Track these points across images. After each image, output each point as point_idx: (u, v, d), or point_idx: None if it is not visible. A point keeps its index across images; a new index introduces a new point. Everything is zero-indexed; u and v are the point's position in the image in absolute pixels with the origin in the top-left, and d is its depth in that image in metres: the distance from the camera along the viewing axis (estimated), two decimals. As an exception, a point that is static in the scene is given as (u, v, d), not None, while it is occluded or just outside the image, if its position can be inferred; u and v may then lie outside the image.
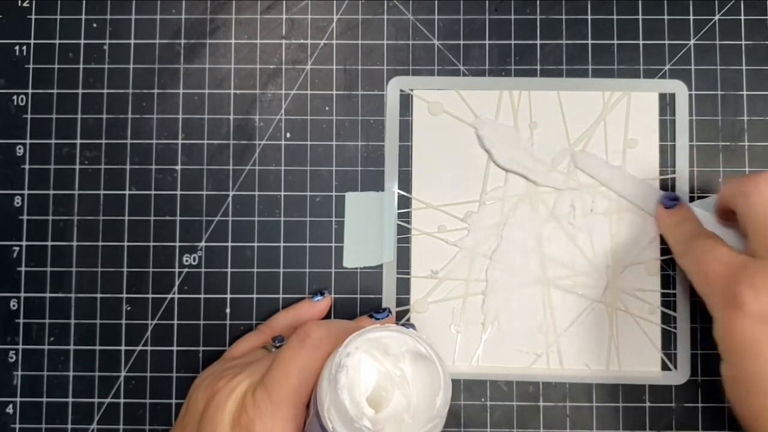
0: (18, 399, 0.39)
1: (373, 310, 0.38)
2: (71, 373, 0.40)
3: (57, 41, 0.41)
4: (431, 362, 0.29)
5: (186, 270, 0.40)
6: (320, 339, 0.31)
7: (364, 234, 0.40)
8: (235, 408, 0.31)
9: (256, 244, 0.40)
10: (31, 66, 0.41)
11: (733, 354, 0.31)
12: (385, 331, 0.29)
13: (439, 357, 0.29)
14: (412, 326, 0.38)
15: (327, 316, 0.39)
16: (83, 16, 0.41)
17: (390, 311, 0.38)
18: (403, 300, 0.40)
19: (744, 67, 0.40)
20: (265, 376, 0.31)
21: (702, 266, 0.33)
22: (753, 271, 0.31)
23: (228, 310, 0.40)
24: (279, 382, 0.30)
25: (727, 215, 0.36)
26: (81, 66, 0.41)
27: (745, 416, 0.32)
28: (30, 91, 0.41)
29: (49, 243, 0.40)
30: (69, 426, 0.39)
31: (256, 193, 0.40)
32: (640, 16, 0.40)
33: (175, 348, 0.40)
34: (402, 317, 0.39)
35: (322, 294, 0.39)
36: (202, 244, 0.40)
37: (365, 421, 0.28)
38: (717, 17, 0.40)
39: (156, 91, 0.41)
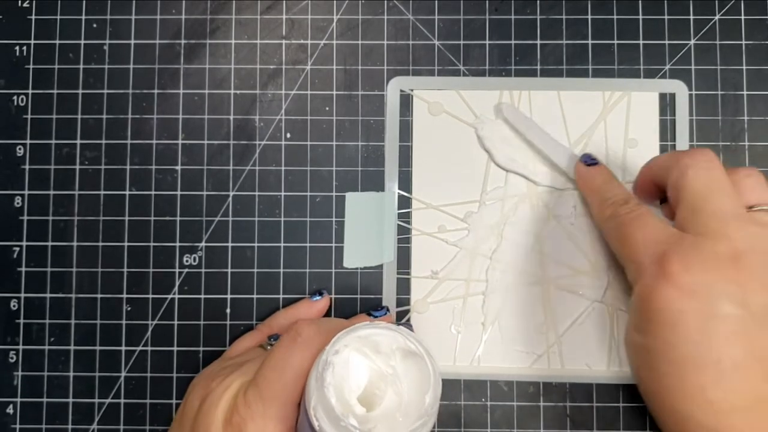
0: (18, 399, 0.39)
1: (371, 308, 0.38)
2: (71, 374, 0.40)
3: (57, 41, 0.41)
4: (421, 359, 0.29)
5: (186, 270, 0.40)
6: (311, 337, 0.31)
7: (364, 234, 0.40)
8: (228, 407, 0.31)
9: (256, 245, 0.40)
10: (31, 66, 0.41)
11: (652, 323, 0.31)
12: (375, 329, 0.29)
13: (429, 354, 0.29)
14: (410, 327, 0.38)
15: (326, 316, 0.39)
16: (83, 17, 0.41)
17: (388, 309, 0.38)
18: (403, 300, 0.40)
19: (744, 67, 0.40)
20: (257, 375, 0.31)
21: (630, 231, 0.33)
22: (687, 245, 0.31)
23: (228, 311, 0.40)
24: (270, 381, 0.30)
25: (648, 191, 0.36)
26: (81, 66, 0.41)
27: (649, 386, 0.32)
28: (30, 91, 0.41)
29: (50, 243, 0.40)
30: (69, 426, 0.39)
31: (257, 193, 0.40)
32: (640, 16, 0.40)
33: (175, 348, 0.40)
34: (402, 317, 0.39)
35: (321, 294, 0.39)
36: (203, 244, 0.40)
37: (351, 419, 0.28)
38: (717, 17, 0.40)
39: (156, 91, 0.41)
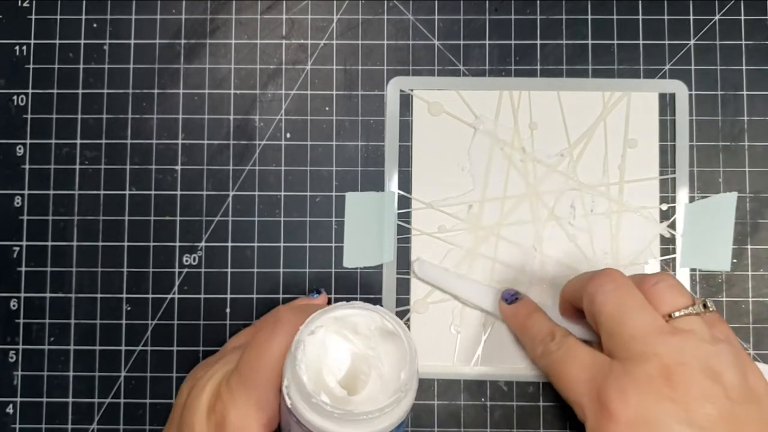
0: (18, 399, 0.39)
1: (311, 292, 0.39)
2: (71, 373, 0.40)
3: (57, 41, 0.41)
4: (399, 338, 0.28)
5: (186, 270, 0.40)
6: (291, 322, 0.30)
7: (364, 234, 0.40)
8: (211, 395, 0.31)
9: (256, 244, 0.40)
10: (31, 66, 0.41)
11: None
12: (351, 309, 0.29)
13: (405, 331, 0.29)
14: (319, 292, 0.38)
15: (303, 292, 0.39)
16: (83, 16, 0.41)
17: (319, 291, 0.39)
18: (403, 300, 0.40)
19: (744, 67, 0.40)
20: (239, 362, 0.31)
21: (563, 370, 0.33)
22: (617, 374, 0.30)
23: (228, 311, 0.40)
24: (252, 367, 0.30)
25: (571, 311, 0.36)
26: (81, 66, 0.41)
27: None
28: (30, 91, 0.41)
29: (49, 243, 0.40)
30: (69, 426, 0.39)
31: (256, 193, 0.40)
32: (640, 16, 0.40)
33: (175, 348, 0.39)
34: (402, 317, 0.39)
35: (318, 292, 0.39)
36: (202, 244, 0.40)
37: (323, 396, 0.27)
38: (717, 17, 0.40)
39: (156, 91, 0.41)
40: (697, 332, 0.30)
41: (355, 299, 0.38)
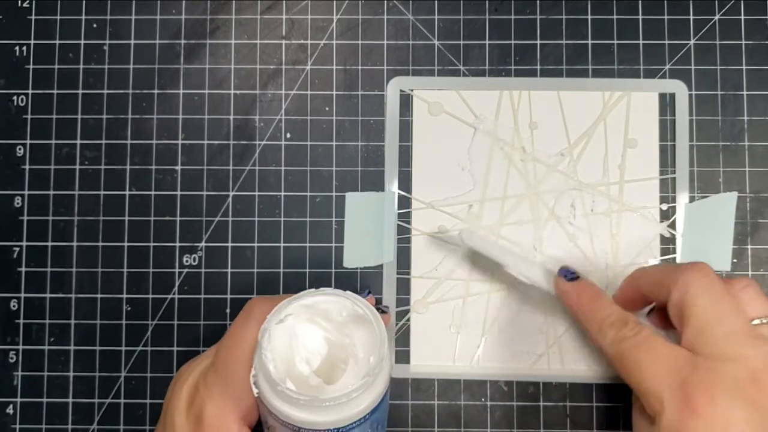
0: (18, 399, 0.39)
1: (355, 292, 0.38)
2: (71, 374, 0.40)
3: (57, 41, 0.41)
4: (369, 322, 0.28)
5: (186, 270, 0.40)
6: (263, 313, 0.30)
7: (364, 234, 0.40)
8: (191, 389, 0.31)
9: (256, 245, 0.40)
10: (31, 66, 0.41)
11: None
12: (321, 296, 0.29)
13: (375, 315, 0.29)
14: (367, 292, 0.38)
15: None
16: (83, 17, 0.41)
17: (370, 291, 0.38)
18: (403, 300, 0.40)
19: (744, 67, 0.40)
20: (215, 355, 0.31)
21: (641, 359, 0.31)
22: (704, 371, 0.30)
23: (228, 311, 0.40)
24: (226, 359, 0.30)
25: (631, 301, 0.35)
26: (81, 66, 0.41)
27: None
28: (30, 91, 0.41)
29: (50, 243, 0.40)
30: (69, 426, 0.39)
31: (256, 193, 0.40)
32: (640, 16, 0.40)
33: (175, 348, 0.39)
34: (402, 317, 0.39)
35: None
36: (202, 244, 0.40)
37: (288, 383, 0.27)
38: (717, 17, 0.40)
39: (156, 91, 0.41)
40: None
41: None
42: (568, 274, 0.36)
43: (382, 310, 0.37)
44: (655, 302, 0.34)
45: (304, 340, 0.29)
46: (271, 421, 0.29)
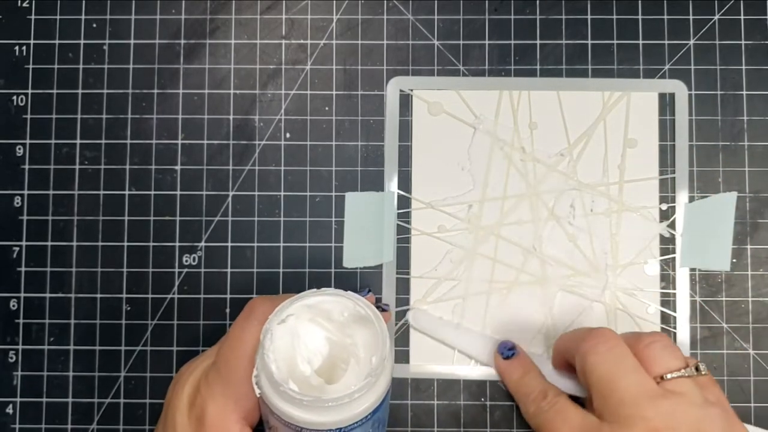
0: (18, 399, 0.39)
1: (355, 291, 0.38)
2: (71, 374, 0.40)
3: (57, 41, 0.41)
4: (371, 322, 0.28)
5: (186, 270, 0.40)
6: (265, 313, 0.30)
7: (364, 234, 0.40)
8: (192, 390, 0.31)
9: (255, 244, 0.40)
10: (30, 66, 0.41)
11: None
12: (322, 296, 0.29)
13: (377, 315, 0.29)
14: (367, 291, 0.38)
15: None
16: (83, 17, 0.41)
17: (370, 289, 0.38)
18: (403, 300, 0.40)
19: (744, 67, 0.40)
20: (216, 355, 0.31)
21: (553, 429, 0.33)
22: None
23: (228, 310, 0.40)
24: (228, 359, 0.30)
25: (564, 364, 0.36)
26: (81, 66, 0.41)
27: None
28: (30, 91, 0.41)
29: (49, 243, 0.40)
30: (69, 426, 0.39)
31: (256, 193, 0.40)
32: (640, 16, 0.40)
33: (174, 348, 0.39)
34: (402, 317, 0.39)
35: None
36: (202, 244, 0.40)
37: (291, 384, 0.27)
38: (717, 17, 0.40)
39: (156, 91, 0.41)
40: (689, 395, 0.31)
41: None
42: (505, 352, 0.38)
43: (382, 308, 0.37)
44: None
45: (305, 340, 0.29)
46: (273, 421, 0.29)
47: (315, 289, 0.29)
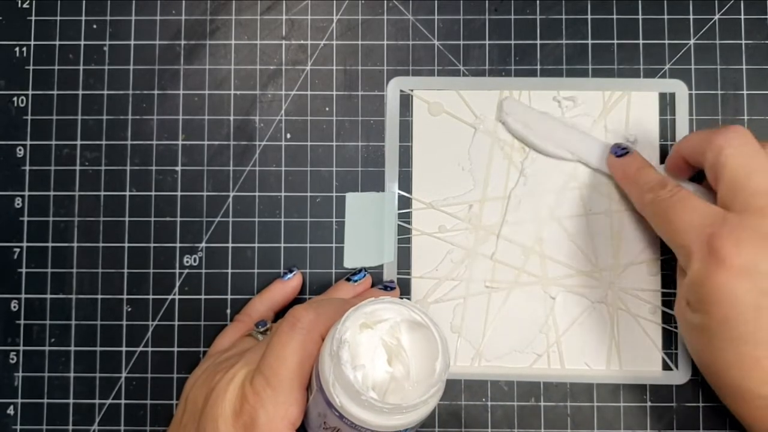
0: (19, 400, 0.39)
1: (350, 274, 0.39)
2: (72, 374, 0.40)
3: (57, 42, 0.41)
4: (427, 329, 0.29)
5: (186, 271, 0.40)
6: (310, 321, 0.31)
7: (364, 234, 0.40)
8: (235, 398, 0.31)
9: (256, 245, 0.40)
10: (31, 67, 0.41)
11: (707, 304, 0.31)
12: (380, 304, 0.29)
13: (434, 323, 0.29)
14: (363, 274, 0.39)
15: (301, 293, 0.39)
16: (83, 18, 0.41)
17: (366, 271, 0.39)
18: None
19: (744, 67, 0.40)
20: (261, 363, 0.31)
21: (674, 215, 0.33)
22: (733, 224, 0.31)
23: (228, 311, 0.40)
24: (275, 367, 0.31)
25: (680, 168, 0.36)
26: (81, 67, 0.41)
27: (706, 361, 0.33)
28: (30, 92, 0.41)
29: (50, 244, 0.40)
30: (70, 427, 0.39)
31: (257, 193, 0.40)
32: (640, 16, 0.40)
33: (175, 349, 0.40)
34: (402, 317, 0.39)
35: (291, 271, 0.39)
36: (203, 244, 0.40)
37: (371, 393, 0.28)
38: (717, 17, 0.40)
39: (156, 92, 0.41)
40: None
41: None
42: (619, 151, 0.38)
43: (389, 286, 0.37)
44: (698, 167, 0.35)
45: (366, 348, 0.30)
46: (336, 423, 0.30)
47: (372, 299, 0.30)
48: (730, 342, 0.31)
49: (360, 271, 0.39)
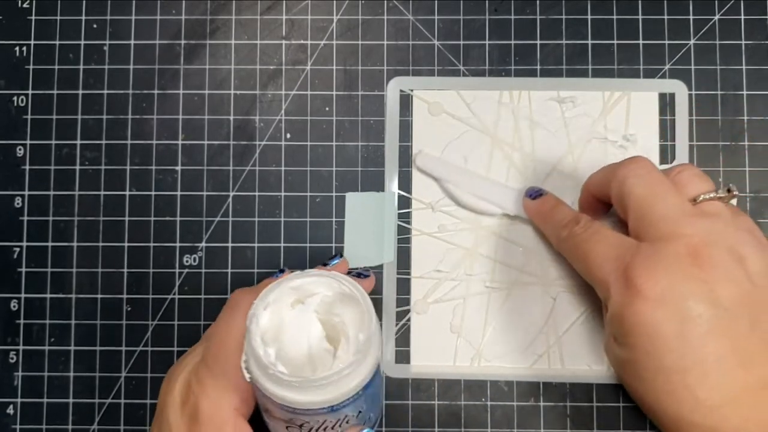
0: (18, 400, 0.39)
1: (327, 258, 0.38)
2: (72, 374, 0.40)
3: (57, 42, 0.41)
4: (357, 300, 0.29)
5: (186, 270, 0.40)
6: (248, 303, 0.30)
7: (364, 234, 0.40)
8: (183, 388, 0.31)
9: (256, 245, 0.40)
10: (31, 67, 0.41)
11: (630, 337, 0.31)
12: (306, 278, 0.29)
13: (362, 294, 0.29)
14: (338, 257, 0.38)
15: None
16: (83, 17, 0.41)
17: (341, 255, 0.38)
18: (403, 300, 0.40)
19: (744, 67, 0.40)
20: (204, 351, 0.31)
21: (590, 250, 0.33)
22: (646, 253, 0.31)
23: (228, 311, 0.40)
24: (216, 354, 0.31)
25: (592, 206, 0.36)
26: (81, 67, 0.41)
27: (637, 392, 0.32)
28: (30, 91, 0.41)
29: (50, 244, 0.40)
30: (70, 427, 0.39)
31: (257, 193, 0.40)
32: (640, 16, 0.41)
33: (175, 348, 0.40)
34: (402, 317, 0.39)
35: (282, 271, 0.39)
36: (203, 244, 0.40)
37: (280, 366, 0.28)
38: (717, 17, 0.40)
39: (156, 91, 0.41)
40: (723, 216, 0.31)
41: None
42: (533, 193, 0.38)
43: (363, 274, 0.37)
44: (608, 201, 0.35)
45: (294, 323, 0.29)
46: (269, 405, 0.29)
47: (299, 271, 0.29)
48: (659, 372, 0.30)
49: (335, 255, 0.38)
